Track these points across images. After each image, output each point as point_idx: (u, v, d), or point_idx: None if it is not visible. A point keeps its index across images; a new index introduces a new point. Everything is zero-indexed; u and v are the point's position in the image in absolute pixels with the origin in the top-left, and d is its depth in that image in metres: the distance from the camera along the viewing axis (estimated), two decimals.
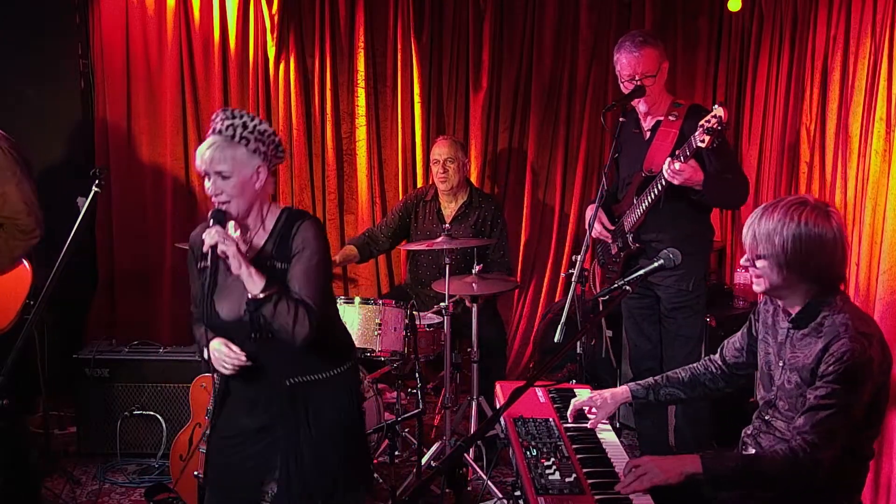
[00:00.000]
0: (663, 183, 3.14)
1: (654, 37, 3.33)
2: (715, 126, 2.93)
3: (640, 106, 3.33)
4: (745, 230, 2.21)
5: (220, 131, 2.30)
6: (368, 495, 3.43)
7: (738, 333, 2.51)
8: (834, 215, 2.13)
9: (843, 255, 2.15)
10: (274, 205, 2.45)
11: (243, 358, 2.30)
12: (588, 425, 2.45)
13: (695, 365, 2.56)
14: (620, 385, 3.66)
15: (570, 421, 2.48)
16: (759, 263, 2.17)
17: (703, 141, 2.97)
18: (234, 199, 2.32)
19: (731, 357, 2.50)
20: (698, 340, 3.42)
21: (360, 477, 2.56)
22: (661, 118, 3.32)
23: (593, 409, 2.51)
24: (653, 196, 3.23)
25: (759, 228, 2.15)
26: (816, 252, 2.10)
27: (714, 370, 2.53)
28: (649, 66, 3.24)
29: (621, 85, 3.34)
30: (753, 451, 2.35)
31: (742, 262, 2.25)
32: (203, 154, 2.29)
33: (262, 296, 2.24)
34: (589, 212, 3.46)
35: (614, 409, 2.50)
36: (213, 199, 2.33)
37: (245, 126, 2.30)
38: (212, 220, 2.30)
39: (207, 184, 2.33)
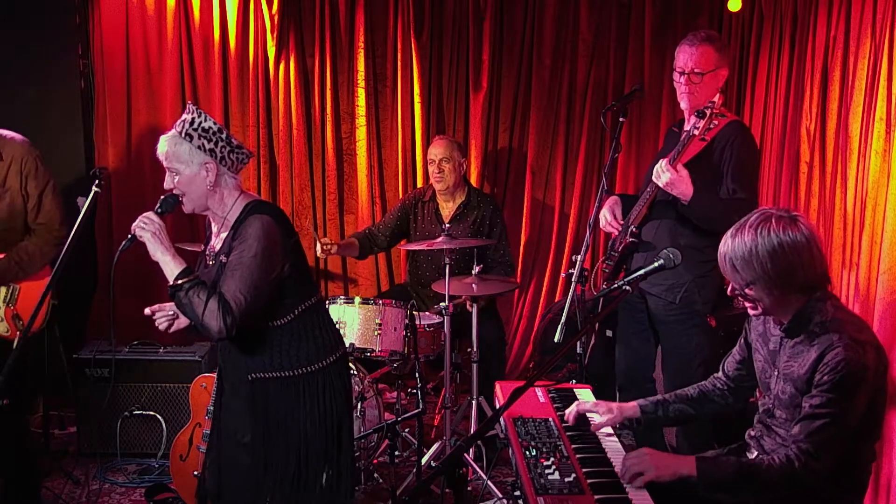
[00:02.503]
0: (654, 185, 3.12)
1: (719, 40, 3.26)
2: (706, 110, 2.93)
3: (682, 103, 3.26)
4: (720, 259, 2.18)
5: (175, 126, 2.39)
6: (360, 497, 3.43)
7: (737, 346, 2.49)
8: (800, 219, 2.11)
9: (821, 255, 2.13)
10: (243, 197, 2.45)
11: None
12: (591, 428, 2.41)
13: (703, 382, 2.54)
14: (618, 385, 3.69)
15: (569, 422, 2.46)
16: (748, 291, 2.15)
17: (697, 128, 2.98)
18: (185, 194, 2.40)
19: (732, 371, 2.48)
20: (691, 358, 3.28)
21: (337, 480, 2.52)
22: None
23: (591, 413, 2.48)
24: (654, 186, 3.20)
25: (735, 254, 2.12)
26: (796, 261, 2.08)
27: (721, 386, 2.50)
28: (700, 63, 3.15)
29: (674, 81, 3.28)
30: (756, 452, 2.34)
31: (729, 293, 2.22)
32: (160, 148, 2.41)
33: (178, 283, 2.28)
34: (597, 213, 3.43)
35: (620, 419, 2.45)
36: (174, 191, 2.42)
37: (192, 122, 2.36)
38: (158, 203, 2.40)
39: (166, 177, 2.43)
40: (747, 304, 2.21)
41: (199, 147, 2.35)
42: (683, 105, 3.26)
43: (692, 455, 2.25)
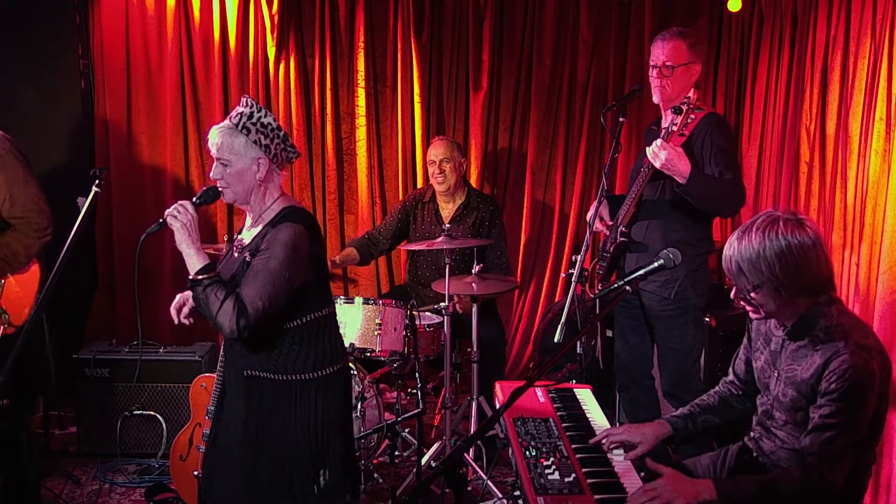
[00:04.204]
0: (649, 166, 3.11)
1: (693, 36, 3.27)
2: (682, 106, 2.95)
3: (654, 97, 3.27)
4: (725, 261, 2.16)
5: (230, 118, 2.40)
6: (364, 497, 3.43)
7: (742, 346, 2.48)
8: (807, 223, 2.10)
9: (826, 258, 2.12)
10: (282, 199, 2.46)
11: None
12: (624, 458, 2.29)
13: (718, 388, 2.52)
14: (616, 385, 3.69)
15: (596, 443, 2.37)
16: (754, 295, 2.13)
17: (675, 125, 2.99)
18: (231, 186, 2.40)
19: (741, 372, 2.47)
20: (688, 352, 3.30)
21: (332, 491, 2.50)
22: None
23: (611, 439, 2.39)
24: (639, 184, 3.20)
25: (742, 257, 2.10)
26: (803, 263, 2.07)
27: (735, 390, 2.48)
28: (671, 56, 3.17)
29: (649, 76, 3.30)
30: (755, 454, 2.34)
31: (732, 296, 2.20)
32: (212, 136, 2.40)
33: (198, 277, 2.29)
34: (592, 209, 3.44)
35: (654, 443, 2.38)
36: (218, 184, 2.42)
37: (250, 116, 2.37)
38: (198, 194, 2.42)
39: (213, 167, 2.42)
40: (749, 309, 2.19)
41: (255, 142, 2.37)
42: (656, 99, 3.28)
43: (698, 462, 2.24)
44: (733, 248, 2.13)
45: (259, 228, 2.42)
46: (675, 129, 3.01)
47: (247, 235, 2.48)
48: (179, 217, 2.31)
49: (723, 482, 2.13)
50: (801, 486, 2.06)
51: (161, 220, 2.35)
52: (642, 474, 2.21)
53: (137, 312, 2.55)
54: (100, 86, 4.51)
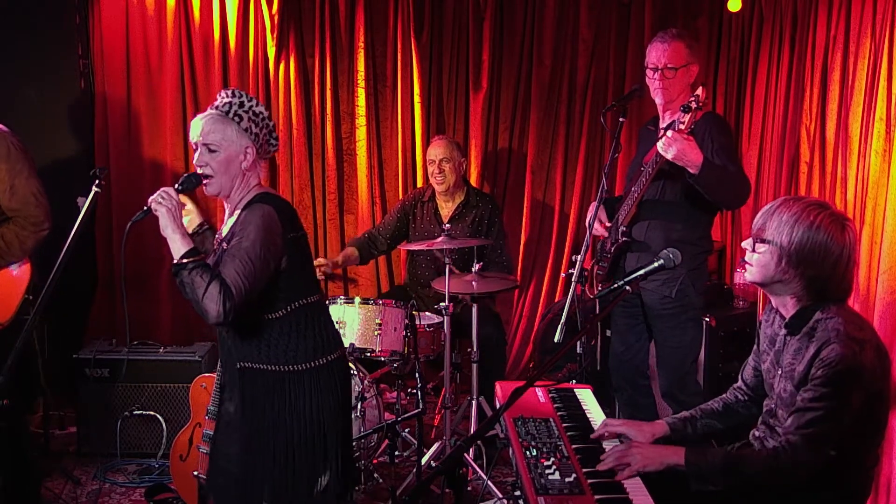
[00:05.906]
0: (657, 160, 3.11)
1: (690, 37, 3.31)
2: (692, 104, 2.96)
3: (657, 98, 3.29)
4: (759, 214, 2.19)
5: (217, 106, 2.40)
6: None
7: (752, 353, 2.48)
8: (849, 230, 2.10)
9: (847, 271, 2.12)
10: (257, 188, 2.46)
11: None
12: (626, 473, 2.16)
13: (724, 395, 2.53)
14: (613, 386, 3.69)
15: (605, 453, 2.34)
16: (760, 248, 2.15)
17: (682, 122, 3.00)
18: (217, 175, 2.40)
19: (750, 379, 2.47)
20: (687, 352, 3.32)
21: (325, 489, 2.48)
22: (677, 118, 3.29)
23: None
24: (644, 180, 3.20)
25: (774, 215, 2.14)
26: (819, 259, 2.08)
27: (742, 397, 2.49)
28: (672, 59, 3.20)
29: (647, 78, 3.31)
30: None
31: (743, 244, 2.23)
32: (196, 124, 2.38)
33: (182, 261, 2.27)
34: (590, 211, 3.45)
35: (651, 441, 2.38)
36: (199, 170, 2.41)
37: (241, 105, 2.38)
38: (179, 180, 2.40)
39: (196, 155, 2.40)
40: (746, 263, 2.22)
41: (245, 129, 2.38)
42: (659, 101, 3.29)
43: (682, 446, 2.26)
44: (773, 206, 2.17)
45: (235, 217, 2.43)
46: (682, 126, 3.01)
47: (225, 229, 2.48)
48: (164, 203, 2.31)
49: (693, 450, 2.17)
50: (767, 465, 2.08)
51: (146, 208, 2.34)
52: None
53: (124, 303, 2.54)
54: (100, 86, 4.51)
